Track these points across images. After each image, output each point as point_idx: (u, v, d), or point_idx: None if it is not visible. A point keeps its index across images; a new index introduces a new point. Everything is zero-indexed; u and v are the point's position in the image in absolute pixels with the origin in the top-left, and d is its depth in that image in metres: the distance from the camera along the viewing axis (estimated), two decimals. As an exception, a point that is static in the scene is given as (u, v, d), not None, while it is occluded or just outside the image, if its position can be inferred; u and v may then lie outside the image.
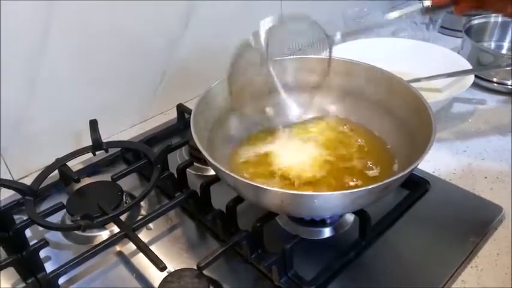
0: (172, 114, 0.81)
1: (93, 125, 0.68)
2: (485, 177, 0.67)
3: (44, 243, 0.54)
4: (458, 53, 0.88)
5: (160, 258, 0.52)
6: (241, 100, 0.62)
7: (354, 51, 0.76)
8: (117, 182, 0.64)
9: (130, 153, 0.72)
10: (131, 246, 0.57)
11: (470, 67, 0.80)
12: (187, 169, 0.65)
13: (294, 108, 0.67)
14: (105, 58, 0.74)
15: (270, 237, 0.56)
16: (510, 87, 0.85)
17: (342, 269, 0.53)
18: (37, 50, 0.66)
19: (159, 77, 0.83)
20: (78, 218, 0.55)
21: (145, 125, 0.84)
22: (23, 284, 0.54)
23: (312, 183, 0.57)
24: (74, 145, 0.70)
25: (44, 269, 0.55)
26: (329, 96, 0.69)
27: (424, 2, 0.61)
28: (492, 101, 0.85)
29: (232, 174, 0.48)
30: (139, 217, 0.61)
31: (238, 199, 0.57)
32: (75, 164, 0.69)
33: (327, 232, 0.59)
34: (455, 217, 0.60)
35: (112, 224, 0.61)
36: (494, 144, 0.74)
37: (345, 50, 0.72)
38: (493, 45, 1.00)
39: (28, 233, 0.59)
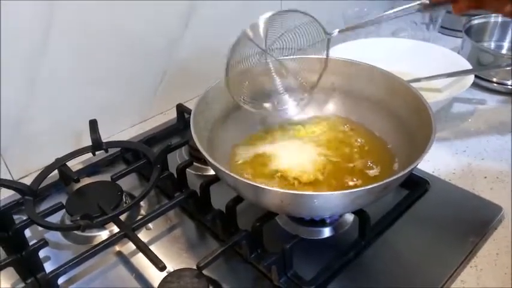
0: (172, 114, 0.81)
1: (93, 125, 0.68)
2: (485, 177, 0.67)
3: (44, 243, 0.54)
4: (458, 53, 0.88)
5: (160, 258, 0.52)
6: (240, 91, 0.62)
7: (354, 51, 0.77)
8: (117, 182, 0.64)
9: (130, 153, 0.72)
10: (131, 246, 0.57)
11: (470, 67, 0.80)
12: (187, 169, 0.65)
13: (294, 108, 0.67)
14: (105, 58, 0.74)
15: (269, 237, 0.56)
16: (510, 87, 0.85)
17: (341, 269, 0.54)
18: (37, 50, 0.66)
19: (159, 77, 0.83)
20: (78, 218, 0.55)
21: (145, 125, 0.84)
22: (23, 284, 0.54)
23: (312, 183, 0.57)
24: (74, 145, 0.70)
25: (43, 269, 0.55)
26: (329, 96, 0.69)
27: None
28: (492, 101, 0.85)
29: (232, 174, 0.48)
30: (139, 217, 0.61)
31: (238, 199, 0.57)
32: (74, 164, 0.70)
33: (326, 232, 0.59)
34: (454, 217, 0.60)
35: (111, 224, 0.61)
36: (494, 144, 0.74)
37: (345, 50, 0.72)
38: (493, 45, 1.00)
39: (28, 233, 0.59)
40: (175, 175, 0.64)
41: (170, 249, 0.58)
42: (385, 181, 0.46)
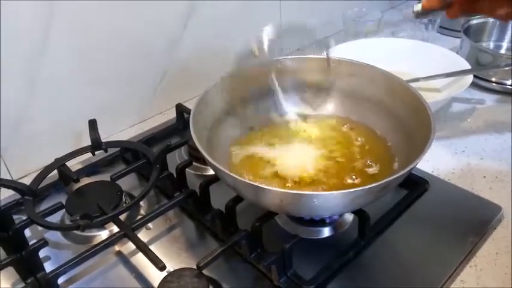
0: (172, 114, 0.81)
1: (93, 124, 0.68)
2: (484, 177, 0.67)
3: (44, 243, 0.54)
4: (457, 53, 0.88)
5: (160, 257, 0.52)
6: (240, 100, 0.62)
7: (354, 51, 0.77)
8: (117, 182, 0.64)
9: (129, 153, 0.72)
10: (130, 246, 0.57)
11: (469, 67, 0.80)
12: (187, 169, 0.65)
13: (293, 108, 0.67)
14: (105, 58, 0.74)
15: (269, 236, 0.56)
16: (509, 87, 0.85)
17: (341, 269, 0.54)
18: (37, 50, 0.66)
19: (158, 77, 0.83)
20: (78, 218, 0.55)
21: (144, 125, 0.84)
22: (23, 284, 0.54)
23: (311, 182, 0.57)
24: (74, 145, 0.70)
25: (43, 269, 0.55)
26: (329, 96, 0.69)
27: (414, 6, 0.62)
28: (491, 100, 0.85)
29: (231, 174, 0.48)
30: (139, 217, 0.61)
31: (238, 199, 0.57)
32: (74, 164, 0.70)
33: (326, 232, 0.59)
34: (454, 217, 0.60)
35: (111, 223, 0.61)
36: (493, 144, 0.74)
37: (345, 50, 0.72)
38: (491, 45, 1.00)
39: (27, 232, 0.59)
40: (175, 175, 0.64)
41: (170, 249, 0.58)
42: (384, 181, 0.46)
